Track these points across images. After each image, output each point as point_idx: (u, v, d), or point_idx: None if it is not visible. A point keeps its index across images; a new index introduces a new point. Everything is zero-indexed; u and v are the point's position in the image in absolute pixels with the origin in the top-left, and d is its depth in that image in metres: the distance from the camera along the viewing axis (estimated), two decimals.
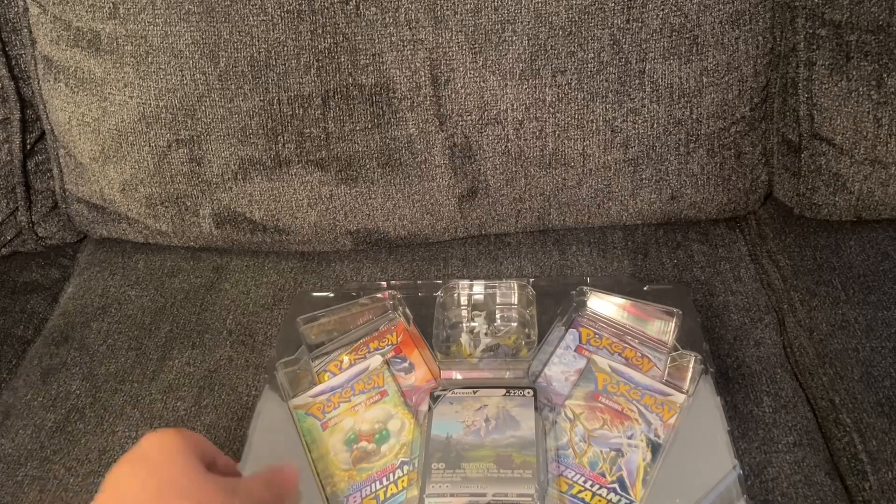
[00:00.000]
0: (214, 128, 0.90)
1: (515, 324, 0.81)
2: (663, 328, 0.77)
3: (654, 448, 0.68)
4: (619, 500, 0.65)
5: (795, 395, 0.79)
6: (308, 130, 0.89)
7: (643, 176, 0.92)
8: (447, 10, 0.85)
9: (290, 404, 0.75)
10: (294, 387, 0.76)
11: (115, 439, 0.79)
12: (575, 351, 0.77)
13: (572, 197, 0.93)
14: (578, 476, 0.67)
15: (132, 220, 0.99)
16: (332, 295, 0.85)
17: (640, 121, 0.89)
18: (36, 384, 0.85)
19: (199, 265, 0.98)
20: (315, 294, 0.86)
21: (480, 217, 0.95)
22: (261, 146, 0.90)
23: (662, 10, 0.85)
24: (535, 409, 0.69)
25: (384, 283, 0.87)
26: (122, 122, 0.92)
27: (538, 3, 0.85)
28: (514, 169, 0.91)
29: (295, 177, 0.92)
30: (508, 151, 0.91)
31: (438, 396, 0.72)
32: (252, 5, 0.85)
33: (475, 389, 0.72)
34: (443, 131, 0.90)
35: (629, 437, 0.69)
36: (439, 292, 0.82)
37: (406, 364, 0.78)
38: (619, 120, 0.89)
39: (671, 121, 0.90)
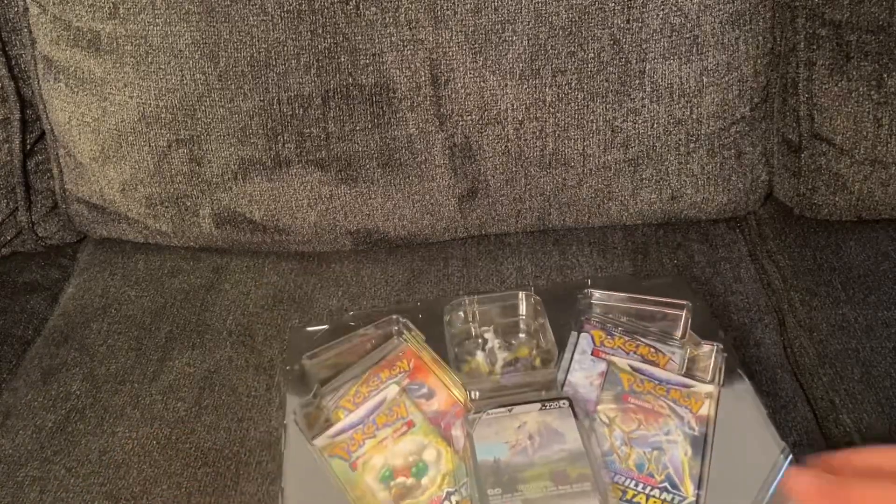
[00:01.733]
0: (214, 128, 0.90)
1: (524, 335, 0.80)
2: (674, 323, 0.77)
3: (693, 441, 0.68)
4: (674, 499, 0.64)
5: (795, 395, 0.79)
6: (308, 130, 0.89)
7: (643, 176, 0.92)
8: (447, 10, 0.85)
9: (312, 446, 0.71)
10: (309, 428, 0.72)
11: (115, 440, 0.79)
12: (592, 355, 0.75)
13: (572, 197, 0.93)
14: (629, 480, 0.66)
15: (132, 221, 0.99)
16: (327, 327, 0.81)
17: (640, 121, 0.89)
18: (36, 384, 0.85)
19: (199, 265, 0.98)
20: (309, 329, 0.81)
21: (480, 217, 0.95)
22: (261, 146, 0.90)
23: (662, 10, 0.85)
24: (575, 417, 0.68)
25: (384, 309, 0.84)
26: (122, 122, 0.91)
27: (538, 3, 0.84)
28: (514, 169, 0.91)
29: (295, 177, 0.92)
30: (508, 151, 0.91)
31: (473, 420, 0.68)
32: (252, 5, 0.85)
33: (510, 408, 0.69)
34: (443, 131, 0.90)
35: (666, 434, 0.68)
36: (445, 313, 0.79)
37: (425, 390, 0.74)
38: (619, 120, 0.89)
39: (671, 121, 0.90)
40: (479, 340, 0.79)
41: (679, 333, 0.76)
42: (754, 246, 0.96)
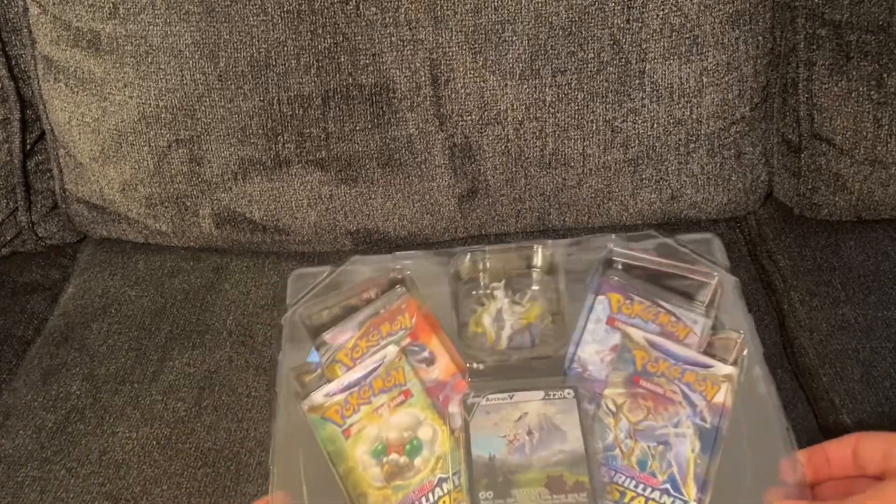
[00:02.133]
0: (214, 128, 0.90)
1: (537, 287, 0.74)
2: (702, 288, 0.71)
3: (702, 435, 0.63)
4: (674, 503, 0.61)
5: (795, 395, 0.79)
6: (308, 130, 0.89)
7: (643, 176, 0.92)
8: (447, 10, 0.85)
9: (302, 407, 0.67)
10: (303, 385, 0.68)
11: (115, 440, 0.79)
12: (607, 324, 0.70)
13: (572, 197, 0.93)
14: (629, 480, 0.62)
15: (132, 221, 0.99)
16: (330, 267, 0.75)
17: (640, 121, 0.89)
18: (36, 385, 0.85)
19: (199, 265, 0.98)
20: (310, 270, 0.76)
21: (480, 217, 0.95)
22: (261, 146, 0.90)
23: (662, 10, 0.85)
24: (579, 410, 0.64)
25: (389, 256, 0.77)
26: (122, 122, 0.91)
27: (538, 3, 0.84)
28: (514, 169, 0.91)
29: (295, 177, 0.92)
30: (508, 151, 0.90)
31: (472, 405, 0.65)
32: (252, 5, 0.85)
33: (511, 394, 0.65)
34: (443, 131, 0.90)
35: (675, 426, 0.64)
36: (451, 264, 0.74)
37: (426, 354, 0.69)
38: (619, 120, 0.89)
39: (671, 121, 0.89)
40: (487, 294, 0.74)
41: (706, 299, 0.70)
42: (754, 246, 0.96)
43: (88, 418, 0.81)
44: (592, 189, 0.93)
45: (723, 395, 0.65)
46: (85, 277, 0.99)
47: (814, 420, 0.77)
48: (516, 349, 0.70)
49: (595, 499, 0.60)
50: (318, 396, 0.67)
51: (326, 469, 0.64)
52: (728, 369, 0.66)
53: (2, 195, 1.00)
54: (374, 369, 0.69)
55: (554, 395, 0.65)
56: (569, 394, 0.65)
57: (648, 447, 0.64)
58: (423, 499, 0.63)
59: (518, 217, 0.95)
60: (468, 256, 0.74)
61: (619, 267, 0.73)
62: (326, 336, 0.70)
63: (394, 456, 0.64)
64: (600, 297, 0.71)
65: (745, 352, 0.67)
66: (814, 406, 0.79)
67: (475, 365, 0.68)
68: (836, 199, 0.93)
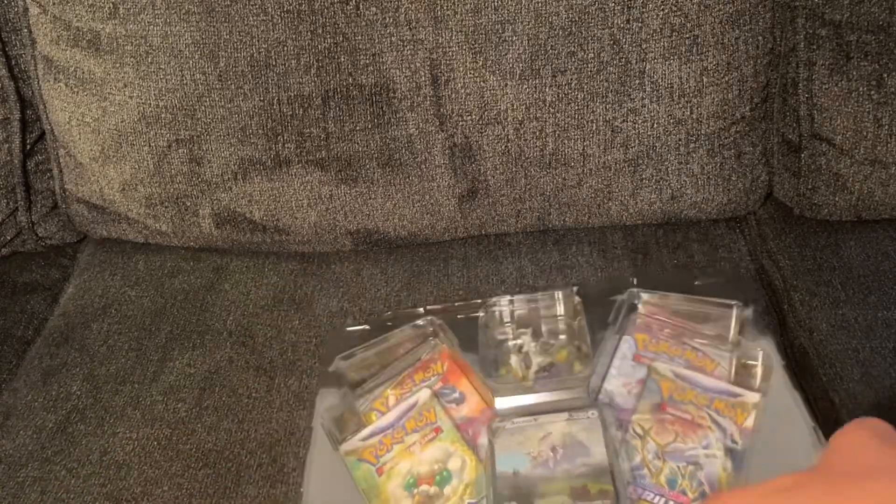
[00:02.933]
0: (214, 128, 0.90)
1: (564, 336, 0.76)
2: (723, 324, 0.72)
3: (734, 455, 0.64)
4: None
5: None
6: (308, 130, 0.89)
7: (643, 176, 0.92)
8: (447, 10, 0.85)
9: (340, 451, 0.70)
10: (341, 431, 0.72)
11: (115, 440, 0.79)
12: (633, 360, 0.71)
13: (572, 197, 0.93)
14: (658, 497, 0.62)
15: (132, 221, 0.99)
16: (368, 327, 0.81)
17: (640, 121, 0.89)
18: (36, 385, 0.85)
19: (199, 265, 0.98)
20: (350, 329, 0.82)
21: (480, 217, 0.95)
22: (261, 146, 0.90)
23: (662, 10, 0.85)
24: (603, 428, 0.64)
25: (422, 310, 0.82)
26: (122, 122, 0.91)
27: (538, 3, 0.84)
28: (514, 169, 0.91)
29: (295, 177, 0.92)
30: (508, 151, 0.90)
31: (497, 429, 0.67)
32: (252, 5, 0.85)
33: (535, 416, 0.67)
34: (443, 131, 0.90)
35: (705, 448, 0.64)
36: (480, 312, 0.77)
37: (456, 395, 0.73)
38: (619, 120, 0.89)
39: (671, 121, 0.89)
40: (515, 343, 0.77)
41: (731, 334, 0.72)
42: (754, 246, 0.96)
43: (89, 419, 0.81)
44: (592, 189, 0.93)
45: (752, 420, 0.65)
46: (85, 277, 0.99)
47: (814, 421, 0.77)
48: (542, 380, 0.72)
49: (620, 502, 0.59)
50: (354, 442, 0.71)
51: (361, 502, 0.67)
52: (756, 397, 0.67)
53: (2, 195, 1.00)
54: (408, 411, 0.73)
55: (578, 416, 0.66)
56: (592, 414, 0.66)
57: (678, 467, 0.63)
58: None
59: (518, 217, 0.95)
60: (496, 308, 0.78)
61: (643, 311, 0.75)
62: (362, 388, 0.75)
63: (424, 487, 0.67)
64: (626, 337, 0.73)
65: (771, 376, 0.68)
66: (814, 406, 0.79)
67: (508, 402, 0.70)
68: (836, 199, 0.93)
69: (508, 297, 0.78)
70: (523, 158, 0.91)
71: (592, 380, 0.70)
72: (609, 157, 0.91)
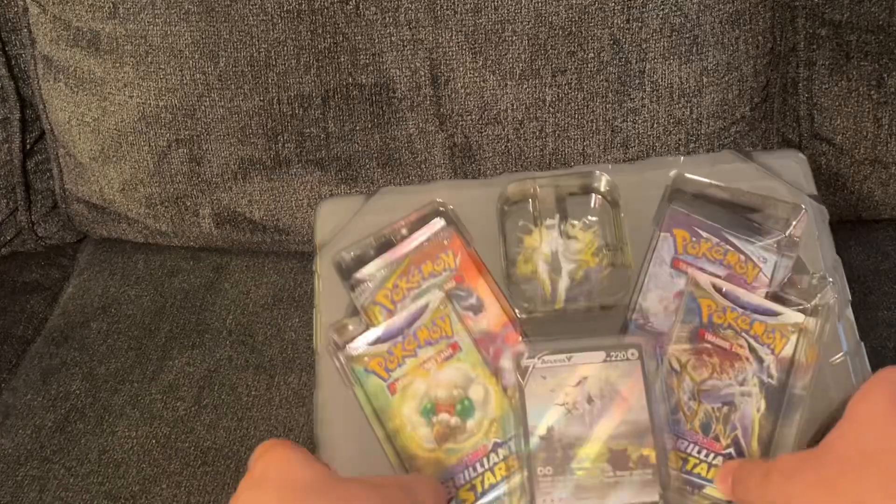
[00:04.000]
0: (214, 128, 0.90)
1: (595, 218, 0.67)
2: (782, 221, 0.65)
3: (769, 393, 0.59)
4: None
5: None
6: (308, 130, 0.89)
7: None
8: (447, 10, 0.85)
9: (342, 356, 0.62)
10: (342, 335, 0.63)
11: (115, 439, 0.79)
12: (671, 266, 0.63)
13: None
14: (692, 446, 0.58)
15: (132, 220, 0.99)
16: (361, 197, 0.70)
17: (640, 121, 0.89)
18: (36, 384, 0.85)
19: (199, 265, 0.98)
20: (341, 197, 0.72)
21: None
22: (261, 146, 0.90)
23: (662, 10, 0.85)
24: (644, 376, 0.58)
25: (427, 185, 0.71)
26: (121, 121, 0.91)
27: (538, 3, 0.84)
28: (514, 169, 0.91)
29: (295, 177, 0.92)
30: (508, 151, 0.90)
31: (526, 367, 0.59)
32: (252, 5, 0.85)
33: (569, 355, 0.59)
34: (443, 131, 0.90)
35: (741, 385, 0.60)
36: (499, 198, 0.68)
37: (473, 300, 0.64)
38: (619, 120, 0.89)
39: (671, 121, 0.89)
40: (538, 226, 0.67)
41: (784, 233, 0.65)
42: None
43: (88, 417, 0.81)
44: None
45: (791, 348, 0.60)
46: (85, 277, 0.99)
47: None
48: (573, 300, 0.64)
49: (660, 475, 0.56)
50: (359, 344, 0.62)
51: (369, 435, 0.60)
52: (798, 317, 0.61)
53: (2, 195, 1.00)
54: (418, 316, 0.63)
55: (616, 355, 0.59)
56: (632, 354, 0.59)
57: (712, 409, 0.59)
58: (478, 464, 0.59)
59: None
60: (517, 183, 0.67)
61: (687, 197, 0.66)
62: (361, 274, 0.65)
63: (444, 416, 0.60)
64: (664, 235, 0.65)
65: (828, 297, 0.61)
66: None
67: (527, 315, 0.62)
68: (836, 199, 0.93)
69: (533, 174, 0.68)
70: (523, 158, 0.91)
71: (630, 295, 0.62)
72: (609, 157, 0.91)
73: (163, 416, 0.80)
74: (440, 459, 0.59)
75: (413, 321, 0.63)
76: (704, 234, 0.65)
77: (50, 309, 0.97)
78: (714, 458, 0.58)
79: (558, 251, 0.65)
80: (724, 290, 0.63)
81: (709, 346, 0.61)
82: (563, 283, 0.64)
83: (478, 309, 0.64)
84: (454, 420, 0.60)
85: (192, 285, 0.95)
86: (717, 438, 0.59)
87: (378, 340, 0.63)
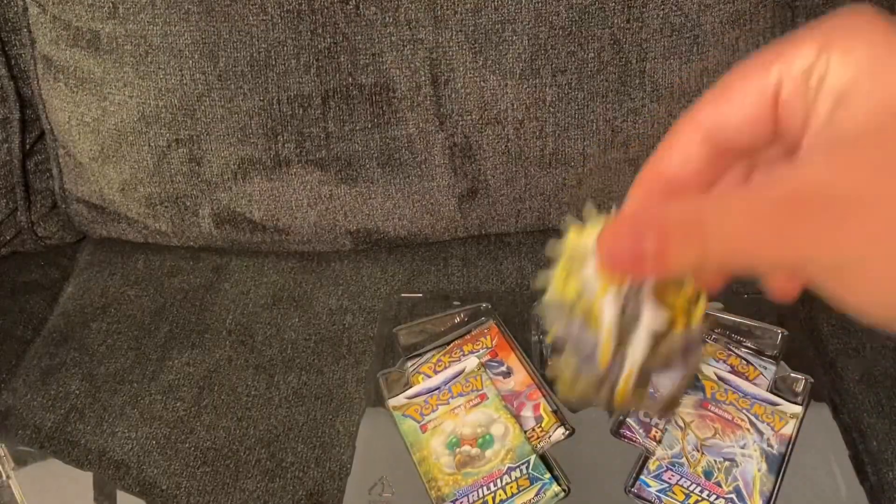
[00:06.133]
0: (214, 128, 0.90)
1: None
2: (770, 342, 0.76)
3: (769, 459, 0.66)
4: None
5: None
6: (308, 130, 0.89)
7: None
8: (447, 9, 0.85)
9: (387, 405, 0.74)
10: (389, 390, 0.76)
11: (114, 439, 0.78)
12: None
13: (572, 197, 0.93)
14: (694, 486, 0.65)
15: (132, 220, 0.99)
16: (421, 296, 0.87)
17: (640, 121, 0.89)
18: (35, 384, 0.85)
19: (198, 265, 0.98)
20: (405, 295, 0.86)
21: (480, 217, 0.95)
22: (261, 146, 0.90)
23: (662, 9, 0.85)
24: None
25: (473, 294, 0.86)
26: (121, 121, 0.91)
27: (538, 3, 0.84)
28: (514, 169, 0.91)
29: (295, 177, 0.92)
30: (508, 151, 0.90)
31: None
32: (252, 5, 0.85)
33: None
34: (443, 131, 0.90)
35: (742, 447, 0.67)
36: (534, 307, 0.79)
37: (504, 368, 0.76)
38: (619, 120, 0.89)
39: (671, 121, 0.89)
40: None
41: (774, 353, 0.75)
42: None
43: (88, 418, 0.81)
44: (592, 189, 0.93)
45: (790, 429, 0.68)
46: (84, 277, 0.99)
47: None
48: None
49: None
50: (400, 399, 0.75)
51: (405, 455, 0.70)
52: (796, 409, 0.69)
53: (1, 195, 0.99)
54: (455, 377, 0.76)
55: None
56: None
57: (715, 461, 0.66)
58: (491, 484, 0.67)
59: (518, 217, 0.95)
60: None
61: None
62: (413, 352, 0.79)
63: (466, 447, 0.70)
64: None
65: (808, 397, 0.70)
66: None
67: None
68: None
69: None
70: (523, 158, 0.91)
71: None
72: (609, 157, 0.91)
73: (162, 416, 0.80)
74: (458, 481, 0.67)
75: (449, 381, 0.76)
76: (709, 341, 0.75)
77: (50, 309, 0.97)
78: (716, 498, 0.63)
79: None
80: (726, 380, 0.72)
81: (711, 413, 0.69)
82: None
83: (507, 374, 0.75)
84: (475, 451, 0.69)
85: (191, 285, 0.95)
86: (718, 484, 0.64)
87: (416, 395, 0.75)
